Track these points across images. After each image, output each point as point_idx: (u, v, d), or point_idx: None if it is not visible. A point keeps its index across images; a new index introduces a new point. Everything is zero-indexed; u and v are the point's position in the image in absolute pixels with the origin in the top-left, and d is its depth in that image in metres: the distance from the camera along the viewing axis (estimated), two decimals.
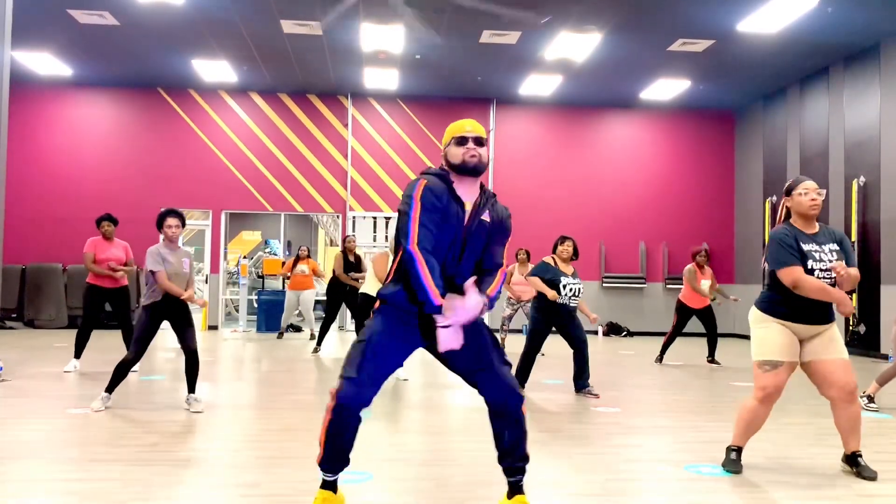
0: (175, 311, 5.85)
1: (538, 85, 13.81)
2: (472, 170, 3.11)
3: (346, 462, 3.14)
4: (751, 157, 15.01)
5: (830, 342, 4.09)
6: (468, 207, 3.13)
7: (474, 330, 3.09)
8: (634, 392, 7.31)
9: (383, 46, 11.80)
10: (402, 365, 3.26)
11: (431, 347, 3.16)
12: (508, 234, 3.28)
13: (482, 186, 3.24)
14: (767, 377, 4.09)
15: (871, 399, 6.50)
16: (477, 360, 3.11)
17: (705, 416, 6.04)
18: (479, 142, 3.14)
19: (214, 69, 13.21)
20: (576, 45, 11.53)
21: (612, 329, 14.93)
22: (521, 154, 15.19)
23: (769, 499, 3.74)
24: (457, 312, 2.94)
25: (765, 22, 10.34)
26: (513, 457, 3.17)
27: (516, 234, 13.79)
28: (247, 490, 3.71)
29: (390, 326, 3.10)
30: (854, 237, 11.57)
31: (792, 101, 13.61)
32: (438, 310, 2.91)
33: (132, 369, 7.88)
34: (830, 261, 3.99)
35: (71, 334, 12.40)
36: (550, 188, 15.12)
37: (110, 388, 5.77)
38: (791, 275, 3.96)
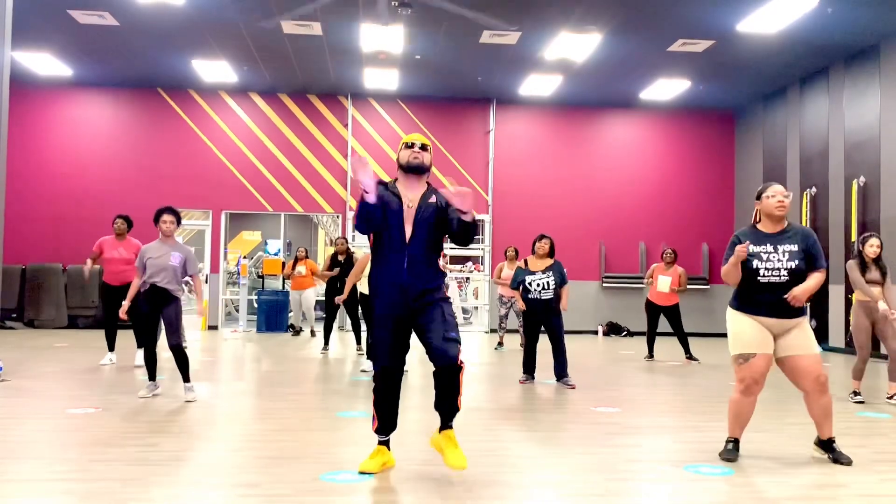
0: (161, 302, 6.18)
1: (538, 85, 13.81)
2: (416, 168, 4.04)
3: (394, 425, 4.13)
4: (751, 157, 15.01)
5: (801, 338, 4.39)
6: (407, 201, 3.97)
7: (432, 309, 3.91)
8: (634, 392, 7.31)
9: (383, 46, 11.80)
10: (409, 332, 4.04)
11: (412, 314, 3.95)
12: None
13: (428, 184, 4.11)
14: (742, 369, 4.40)
15: (856, 393, 6.81)
16: (429, 330, 3.88)
17: (705, 416, 6.04)
18: (423, 147, 4.07)
19: (214, 69, 13.20)
20: (576, 45, 11.53)
21: (612, 329, 14.92)
22: (520, 154, 15.18)
23: (769, 498, 3.74)
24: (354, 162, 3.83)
25: (765, 22, 10.33)
26: (446, 407, 3.93)
27: (515, 234, 13.79)
28: (246, 490, 3.71)
29: (382, 313, 4.00)
30: (854, 237, 11.57)
31: (792, 101, 13.60)
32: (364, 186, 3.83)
33: (136, 364, 8.05)
34: (780, 261, 4.34)
35: (71, 334, 12.43)
36: (550, 188, 15.11)
37: (151, 377, 6.34)
38: (722, 269, 4.50)
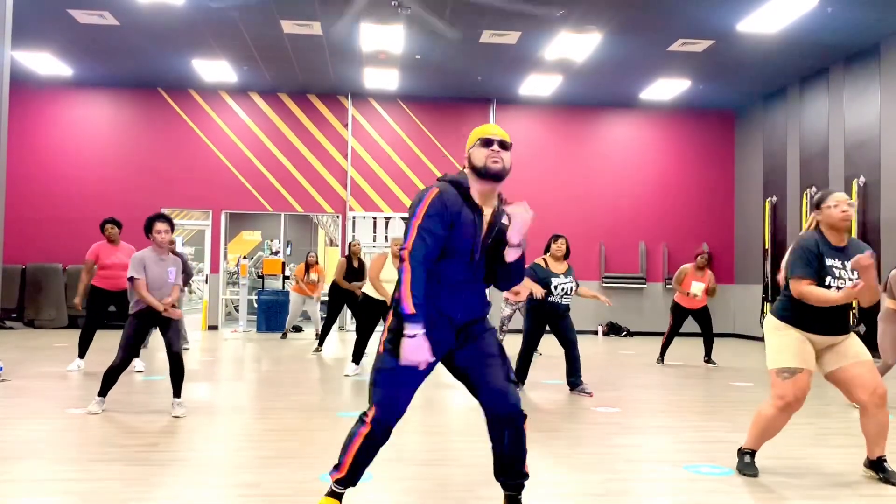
0: (162, 317, 5.67)
1: (538, 85, 13.81)
2: (494, 175, 3.04)
3: (358, 479, 3.17)
4: (751, 157, 15.01)
5: (849, 349, 4.05)
6: (486, 214, 3.07)
7: (481, 342, 3.10)
8: (634, 392, 7.31)
9: (383, 46, 11.80)
10: (429, 372, 3.12)
11: (451, 352, 3.13)
12: None
13: (499, 195, 3.18)
14: (786, 385, 4.00)
15: None
16: (482, 370, 3.05)
17: (705, 416, 6.04)
18: (504, 145, 3.08)
19: (214, 69, 13.20)
20: (576, 45, 11.53)
21: (612, 329, 14.93)
22: (521, 154, 15.14)
23: (769, 498, 3.74)
24: (407, 346, 2.87)
25: (765, 22, 10.33)
26: (510, 474, 3.12)
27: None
28: (246, 490, 3.71)
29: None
30: (854, 237, 11.56)
31: (792, 101, 13.60)
32: (408, 318, 2.87)
33: (137, 370, 7.94)
34: (851, 279, 3.95)
35: (71, 334, 12.41)
36: (550, 188, 15.12)
37: (102, 392, 5.66)
38: (799, 287, 3.95)
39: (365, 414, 3.06)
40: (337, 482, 3.13)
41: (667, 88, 13.89)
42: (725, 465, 4.34)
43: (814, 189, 12.74)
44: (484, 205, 3.08)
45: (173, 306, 5.70)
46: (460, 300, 3.07)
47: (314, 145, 14.86)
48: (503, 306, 11.20)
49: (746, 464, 4.19)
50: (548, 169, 15.18)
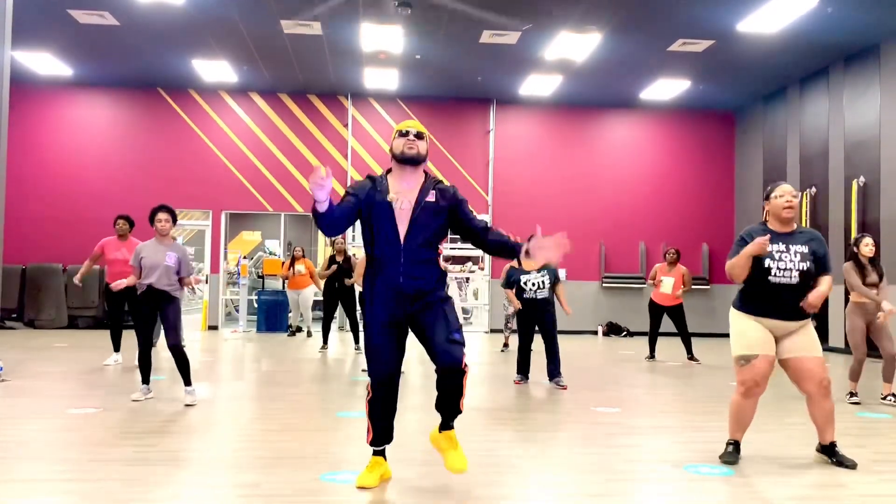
0: (160, 303, 6.11)
1: (538, 85, 13.81)
2: (410, 159, 3.70)
3: (390, 437, 3.87)
4: (751, 157, 15.01)
5: (805, 340, 4.32)
6: (396, 197, 3.65)
7: (432, 310, 3.67)
8: (634, 392, 7.31)
9: (383, 46, 11.80)
10: (404, 338, 3.79)
11: (410, 317, 3.71)
12: (465, 202, 3.81)
13: (426, 174, 3.78)
14: (744, 371, 4.32)
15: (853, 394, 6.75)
16: (430, 332, 3.63)
17: (705, 416, 6.04)
18: (419, 136, 3.73)
19: (214, 69, 13.20)
20: (576, 45, 11.53)
21: (612, 329, 14.92)
22: (521, 154, 15.18)
23: (768, 498, 3.74)
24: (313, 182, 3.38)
25: (765, 22, 10.33)
26: (448, 410, 3.73)
27: (515, 234, 13.78)
28: (246, 490, 3.71)
29: (377, 317, 3.71)
30: (854, 237, 11.56)
31: (792, 101, 13.60)
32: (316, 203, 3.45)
33: (106, 363, 8.16)
34: (792, 261, 4.24)
35: (71, 334, 12.43)
36: (550, 188, 15.11)
37: (145, 380, 6.23)
38: (727, 263, 4.38)
39: (367, 384, 3.81)
40: (372, 444, 3.85)
41: (667, 88, 13.88)
42: (725, 466, 4.34)
43: (813, 189, 12.74)
44: (407, 186, 3.70)
45: (175, 299, 6.19)
46: (398, 265, 3.64)
47: (314, 145, 14.86)
48: (506, 304, 11.43)
49: (728, 452, 4.42)
50: (548, 169, 15.17)
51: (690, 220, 15.40)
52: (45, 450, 4.46)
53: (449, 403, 3.72)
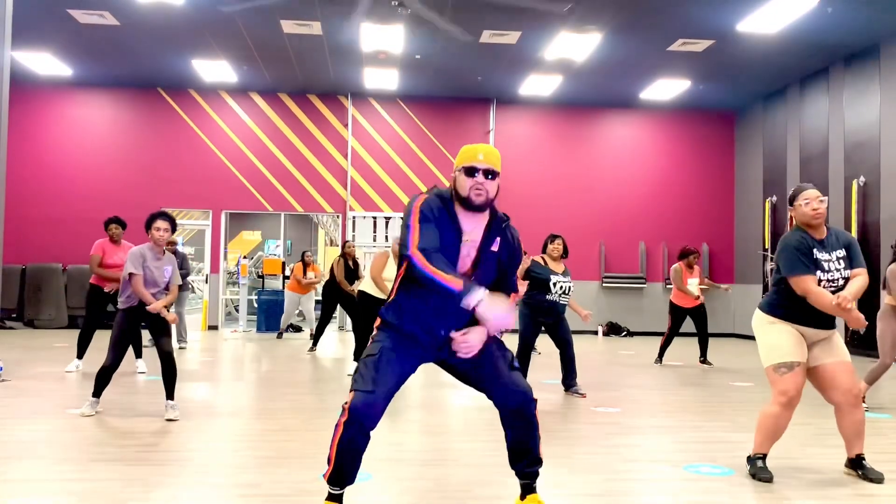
0: (152, 315, 5.55)
1: (538, 85, 13.81)
2: (477, 207, 3.02)
3: (353, 478, 3.05)
4: (751, 157, 15.00)
5: (833, 346, 4.07)
6: (466, 237, 3.04)
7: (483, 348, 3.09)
8: (634, 392, 7.31)
9: (383, 46, 11.80)
10: (408, 376, 3.11)
11: (439, 361, 3.16)
12: (520, 259, 3.28)
13: (494, 211, 3.12)
14: (786, 380, 3.98)
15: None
16: (484, 368, 3.07)
17: (705, 416, 6.04)
18: (490, 174, 3.01)
19: (214, 69, 13.20)
20: (576, 45, 11.53)
21: (612, 329, 14.92)
22: (521, 154, 15.17)
23: (768, 498, 3.74)
24: (491, 312, 2.80)
25: (765, 22, 10.33)
26: (526, 460, 3.16)
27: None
28: (246, 490, 3.71)
29: (395, 341, 3.06)
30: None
31: (792, 101, 13.60)
32: (464, 293, 2.80)
33: (139, 370, 7.91)
34: (838, 269, 3.98)
35: (71, 334, 12.39)
36: (550, 188, 15.12)
37: (96, 394, 5.52)
38: (803, 284, 3.93)
39: (345, 402, 2.95)
40: (329, 481, 3.03)
41: (667, 88, 13.88)
42: (725, 465, 4.34)
43: None
44: (471, 226, 3.07)
45: (168, 308, 5.62)
46: (444, 316, 3.03)
47: (314, 145, 14.86)
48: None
49: (760, 468, 4.08)
50: (548, 169, 15.18)
51: (690, 220, 15.40)
52: (45, 450, 4.46)
53: (528, 450, 3.12)
